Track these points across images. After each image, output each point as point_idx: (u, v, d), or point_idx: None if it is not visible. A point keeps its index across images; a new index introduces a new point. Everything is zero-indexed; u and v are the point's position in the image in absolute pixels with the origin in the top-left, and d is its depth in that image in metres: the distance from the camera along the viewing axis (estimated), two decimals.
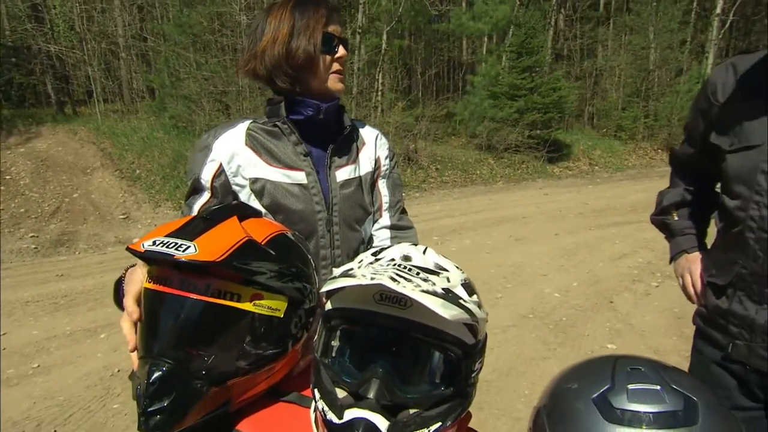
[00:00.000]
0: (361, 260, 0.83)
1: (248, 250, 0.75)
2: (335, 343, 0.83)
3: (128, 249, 0.71)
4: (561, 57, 19.51)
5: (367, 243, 1.30)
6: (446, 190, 11.64)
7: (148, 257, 0.71)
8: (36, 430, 2.77)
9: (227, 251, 0.71)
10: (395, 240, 1.27)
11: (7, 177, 8.60)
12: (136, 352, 0.77)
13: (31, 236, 7.01)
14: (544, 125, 14.15)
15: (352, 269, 0.78)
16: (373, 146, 1.32)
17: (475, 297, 0.82)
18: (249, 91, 10.29)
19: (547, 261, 6.04)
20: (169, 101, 10.86)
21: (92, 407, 2.99)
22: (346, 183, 1.24)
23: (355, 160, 1.27)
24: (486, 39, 16.66)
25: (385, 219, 1.30)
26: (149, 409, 0.67)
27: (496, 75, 13.77)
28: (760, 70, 1.16)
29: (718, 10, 19.45)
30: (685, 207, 1.51)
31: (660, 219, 1.57)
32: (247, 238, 0.76)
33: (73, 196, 8.39)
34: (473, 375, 0.83)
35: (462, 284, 0.82)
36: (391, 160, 1.35)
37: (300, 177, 1.19)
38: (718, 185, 1.51)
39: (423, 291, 0.70)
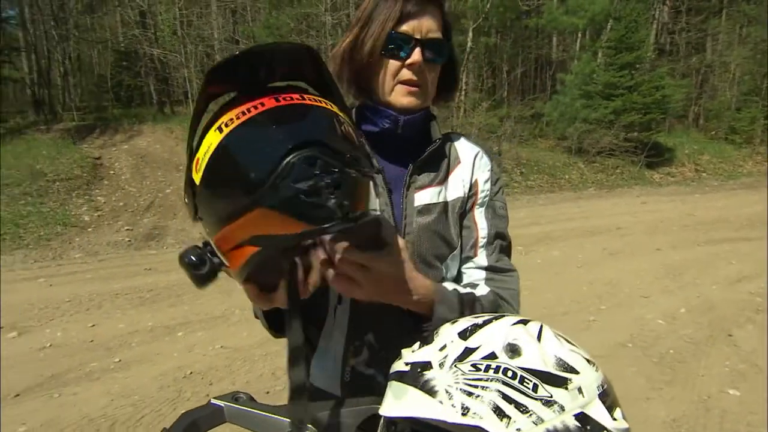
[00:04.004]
0: (444, 348, 0.56)
1: None
2: None
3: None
4: (664, 52, 17.88)
5: (458, 275, 1.03)
6: (531, 196, 11.00)
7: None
8: (110, 429, 2.78)
9: None
10: (490, 283, 0.97)
11: (111, 172, 9.27)
12: None
13: (126, 229, 7.45)
14: (643, 127, 13.01)
15: (428, 378, 0.51)
16: (469, 167, 1.03)
17: (618, 412, 0.53)
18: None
19: (648, 280, 5.40)
20: None
21: (163, 410, 2.96)
22: (426, 209, 0.97)
23: (443, 182, 1.00)
24: (580, 35, 15.61)
25: (481, 258, 1.01)
26: (333, 183, 0.59)
27: (590, 73, 12.84)
28: None
29: None
30: None
31: None
32: None
33: (166, 191, 8.85)
34: None
35: (600, 394, 0.53)
36: (493, 185, 1.05)
37: None
38: None
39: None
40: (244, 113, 0.63)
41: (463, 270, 1.02)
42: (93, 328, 4.13)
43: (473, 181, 1.03)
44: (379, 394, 0.85)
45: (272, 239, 0.62)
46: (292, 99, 0.64)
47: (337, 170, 0.59)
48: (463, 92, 13.49)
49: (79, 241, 7.04)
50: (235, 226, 0.64)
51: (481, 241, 1.01)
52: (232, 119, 0.63)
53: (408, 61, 0.91)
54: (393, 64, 0.93)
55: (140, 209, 8.14)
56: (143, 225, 7.54)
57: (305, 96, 0.65)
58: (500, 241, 1.03)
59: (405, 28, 0.90)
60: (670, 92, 13.37)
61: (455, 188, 1.01)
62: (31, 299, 4.74)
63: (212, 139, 0.64)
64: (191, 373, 3.40)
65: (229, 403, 0.82)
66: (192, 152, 0.66)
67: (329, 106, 0.66)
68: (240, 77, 0.67)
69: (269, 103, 0.63)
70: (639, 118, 12.70)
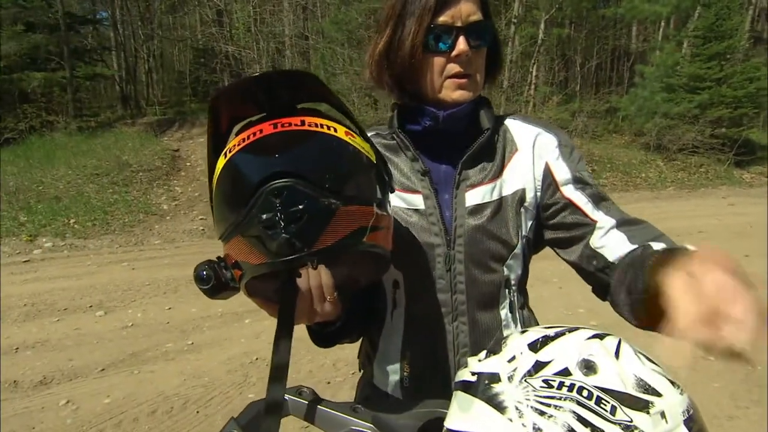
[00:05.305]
0: (514, 360, 0.53)
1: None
2: None
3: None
4: (761, 41, 16.38)
5: (588, 261, 0.88)
6: None
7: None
8: (183, 407, 2.95)
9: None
10: (633, 240, 0.83)
11: (188, 164, 9.82)
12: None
13: (201, 218, 7.86)
14: (733, 122, 11.98)
15: (497, 392, 0.48)
16: (530, 152, 0.93)
17: None
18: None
19: None
20: None
21: (230, 393, 3.11)
22: (478, 209, 0.91)
23: (497, 176, 0.92)
24: (663, 23, 14.62)
25: (605, 219, 0.88)
26: (288, 218, 0.60)
27: (674, 64, 11.98)
28: None
29: None
30: None
31: None
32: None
33: None
34: None
35: (685, 421, 0.48)
36: (568, 158, 0.93)
37: (417, 201, 0.92)
38: None
39: None
40: (243, 140, 0.65)
41: (597, 246, 0.87)
42: (169, 311, 4.40)
43: (544, 166, 0.93)
44: (436, 397, 0.84)
45: (246, 267, 0.64)
46: (290, 125, 0.64)
47: (303, 203, 0.59)
48: (532, 86, 13.05)
49: (158, 229, 7.52)
50: (228, 248, 0.67)
51: (591, 207, 0.90)
52: (235, 146, 0.65)
53: (454, 53, 0.84)
54: (438, 59, 0.86)
55: None
56: None
57: (307, 120, 0.65)
58: (606, 199, 0.92)
59: (443, 18, 0.84)
60: (766, 84, 12.21)
61: (514, 180, 0.93)
62: (116, 281, 5.12)
63: (220, 164, 0.67)
64: (257, 359, 3.53)
65: (293, 397, 0.83)
66: (211, 172, 0.70)
67: (329, 131, 0.66)
68: (260, 100, 0.68)
69: (266, 129, 0.64)
70: (728, 113, 11.70)
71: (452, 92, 0.88)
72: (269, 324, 4.17)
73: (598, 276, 0.87)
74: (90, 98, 17.48)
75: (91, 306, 4.47)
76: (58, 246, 6.60)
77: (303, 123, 0.65)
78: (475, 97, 0.91)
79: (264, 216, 0.60)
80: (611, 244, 0.85)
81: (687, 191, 10.88)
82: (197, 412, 2.91)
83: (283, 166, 0.61)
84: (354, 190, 0.64)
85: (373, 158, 0.70)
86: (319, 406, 0.85)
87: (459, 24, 0.84)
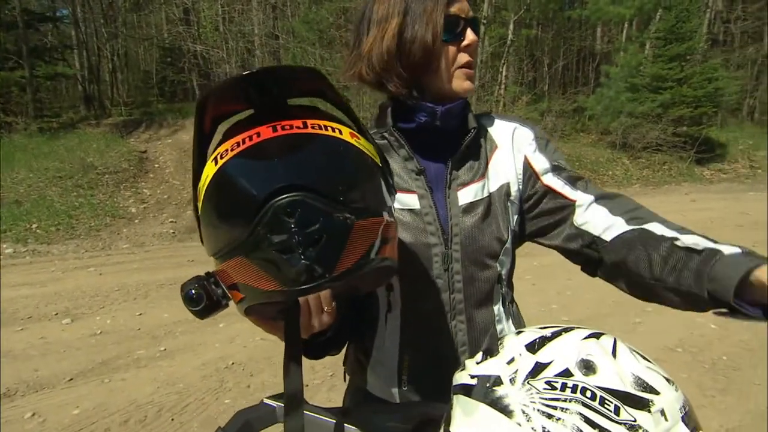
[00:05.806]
0: (513, 362, 0.53)
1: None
2: None
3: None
4: (718, 43, 17.05)
5: (573, 240, 0.91)
6: None
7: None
8: (157, 415, 2.87)
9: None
10: (614, 212, 0.87)
11: (156, 166, 9.58)
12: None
13: (171, 221, 7.68)
14: (693, 121, 12.43)
15: (501, 395, 0.48)
16: (509, 148, 0.96)
17: None
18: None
19: None
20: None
21: (206, 399, 3.04)
22: (471, 207, 0.92)
23: (484, 174, 0.95)
24: (626, 25, 15.05)
25: (583, 196, 0.91)
26: (305, 241, 0.55)
27: (637, 65, 12.35)
28: None
29: None
30: None
31: None
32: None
33: None
34: None
35: (683, 417, 0.49)
36: (543, 150, 0.97)
37: (411, 201, 0.92)
38: None
39: None
40: (238, 144, 0.58)
41: (580, 223, 0.90)
42: (140, 316, 4.28)
43: (523, 160, 0.96)
44: (437, 398, 0.84)
45: (251, 291, 0.59)
46: (291, 128, 0.59)
47: (319, 222, 0.54)
48: (502, 86, 13.25)
49: (126, 232, 7.31)
50: (225, 267, 0.61)
51: (569, 188, 0.93)
52: (227, 150, 0.59)
53: (465, 43, 0.88)
54: (451, 48, 0.88)
55: (183, 202, 8.37)
56: (186, 217, 7.76)
57: (309, 122, 0.60)
58: (583, 179, 0.95)
59: (453, 9, 0.87)
60: (723, 84, 12.73)
61: (498, 176, 0.95)
62: (83, 287, 4.95)
63: (209, 171, 0.60)
64: (233, 363, 3.47)
65: (281, 404, 0.81)
66: (196, 178, 0.63)
67: (335, 133, 0.61)
68: (251, 97, 0.62)
69: (265, 133, 0.58)
70: (689, 112, 12.14)
71: (462, 82, 0.91)
72: (243, 327, 4.11)
73: (585, 253, 0.90)
74: (51, 98, 16.83)
75: (56, 314, 4.31)
76: (19, 252, 6.34)
77: (305, 125, 0.59)
78: (474, 90, 0.94)
79: (276, 238, 0.54)
80: (593, 218, 0.89)
81: (652, 188, 11.24)
82: (172, 419, 2.83)
83: (291, 176, 0.55)
84: (365, 201, 0.60)
85: (378, 161, 0.66)
86: (308, 413, 0.83)
87: (463, 15, 0.88)
